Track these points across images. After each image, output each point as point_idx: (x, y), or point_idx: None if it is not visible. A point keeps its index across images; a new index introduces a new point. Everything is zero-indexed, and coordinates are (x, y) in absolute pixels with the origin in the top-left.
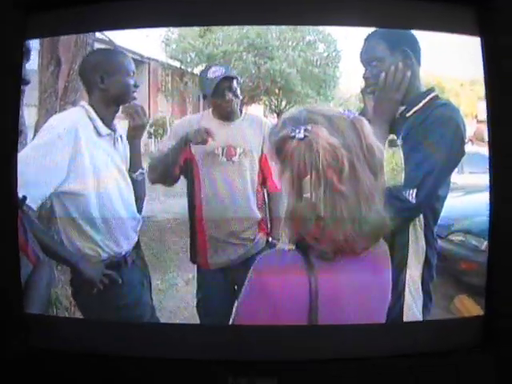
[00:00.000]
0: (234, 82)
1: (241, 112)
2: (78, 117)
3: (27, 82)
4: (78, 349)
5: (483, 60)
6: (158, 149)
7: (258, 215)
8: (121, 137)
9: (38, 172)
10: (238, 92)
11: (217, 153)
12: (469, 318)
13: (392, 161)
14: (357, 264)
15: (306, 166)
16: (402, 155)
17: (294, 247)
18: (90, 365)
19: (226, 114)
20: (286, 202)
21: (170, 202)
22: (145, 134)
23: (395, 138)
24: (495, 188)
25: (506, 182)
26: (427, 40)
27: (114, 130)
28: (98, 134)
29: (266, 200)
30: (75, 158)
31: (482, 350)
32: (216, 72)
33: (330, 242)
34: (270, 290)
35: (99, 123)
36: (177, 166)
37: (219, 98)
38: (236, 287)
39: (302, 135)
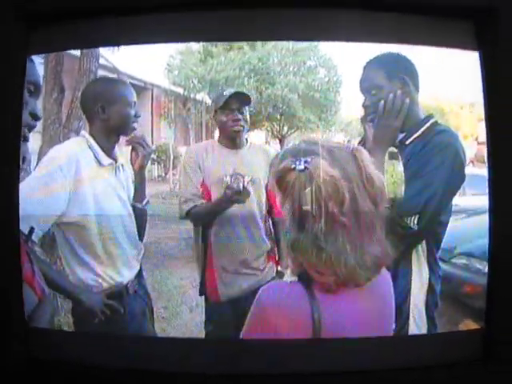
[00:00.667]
0: (245, 103)
1: (246, 141)
2: (79, 147)
3: (38, 118)
4: (79, 361)
5: (481, 73)
6: (193, 193)
7: (268, 244)
8: (122, 166)
9: (38, 204)
10: (248, 117)
11: (225, 180)
12: (469, 331)
13: (393, 174)
14: (360, 295)
15: (306, 197)
16: (402, 169)
17: (296, 279)
18: (90, 377)
19: (232, 139)
20: (286, 234)
21: (172, 228)
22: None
23: (395, 150)
24: (495, 209)
25: (505, 202)
26: (426, 64)
27: (115, 160)
28: (99, 163)
29: (272, 227)
30: (76, 189)
31: (483, 363)
32: (231, 91)
33: (332, 274)
34: (273, 323)
35: (100, 153)
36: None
37: (225, 114)
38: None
39: (302, 167)
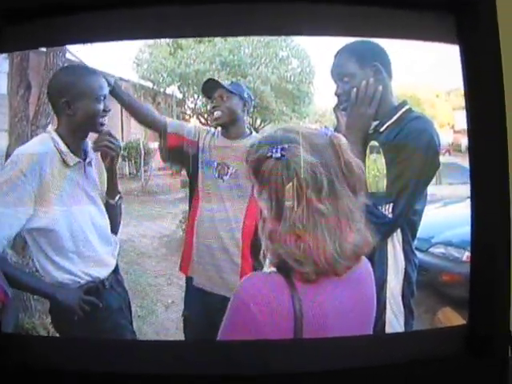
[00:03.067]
0: (215, 89)
1: (250, 131)
2: (43, 147)
3: None
4: (53, 366)
5: (462, 68)
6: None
7: (239, 240)
8: (91, 162)
9: (2, 211)
10: (229, 105)
11: (212, 166)
12: (452, 326)
13: (374, 167)
14: (340, 284)
15: (283, 185)
16: (383, 162)
17: (275, 270)
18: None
19: (223, 128)
20: (264, 222)
21: (145, 225)
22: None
23: (376, 144)
24: (477, 198)
25: (486, 191)
26: (401, 52)
27: (85, 156)
28: (65, 163)
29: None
30: (41, 194)
31: (466, 358)
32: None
33: (312, 263)
34: (253, 314)
35: (66, 152)
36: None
37: (209, 102)
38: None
39: (278, 155)
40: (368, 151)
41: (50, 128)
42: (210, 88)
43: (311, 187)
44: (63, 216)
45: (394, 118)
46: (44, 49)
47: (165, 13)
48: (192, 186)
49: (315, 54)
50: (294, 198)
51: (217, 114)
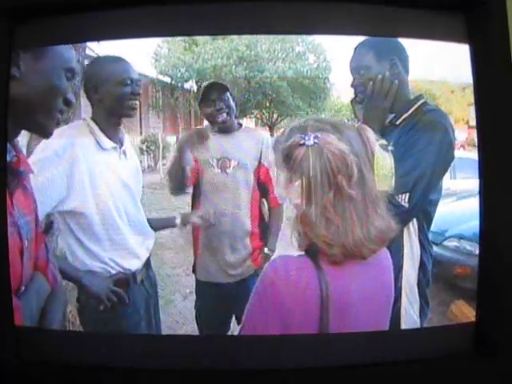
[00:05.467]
0: (224, 91)
1: (240, 125)
2: (78, 132)
3: (71, 104)
4: (71, 361)
5: (472, 67)
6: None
7: (251, 228)
8: (125, 151)
9: (36, 191)
10: (231, 103)
11: (211, 163)
12: (459, 324)
13: (384, 165)
14: (365, 267)
15: (316, 171)
16: (393, 160)
17: (303, 252)
18: (84, 377)
19: (220, 126)
20: (295, 208)
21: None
22: (137, 151)
23: (385, 142)
24: (485, 193)
25: (495, 186)
26: (417, 47)
27: (121, 143)
28: (100, 147)
29: (267, 213)
30: (73, 177)
31: (475, 355)
32: (206, 83)
33: (340, 245)
34: (280, 296)
35: (101, 137)
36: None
37: (207, 106)
38: (232, 301)
39: (311, 142)
40: (378, 149)
41: (85, 115)
42: (214, 91)
43: (342, 173)
44: (95, 200)
45: (410, 110)
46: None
47: (180, 10)
48: (194, 190)
49: (331, 50)
50: (325, 182)
51: (223, 116)
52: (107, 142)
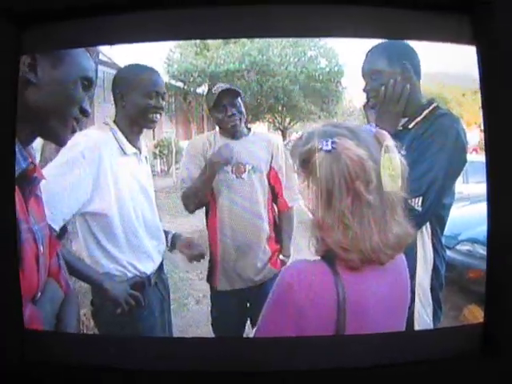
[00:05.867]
0: (236, 96)
1: (249, 130)
2: (102, 135)
3: (88, 113)
4: (82, 363)
5: (479, 68)
6: (183, 178)
7: (269, 232)
8: (146, 158)
9: (60, 192)
10: (242, 108)
11: (226, 170)
12: (469, 325)
13: (389, 167)
14: (382, 273)
15: (333, 177)
16: (398, 161)
17: (320, 258)
18: (92, 379)
19: (231, 132)
20: (312, 213)
21: (178, 221)
22: (150, 155)
23: (390, 144)
24: (492, 195)
25: (502, 189)
26: (429, 51)
27: (140, 150)
28: (123, 152)
29: (277, 218)
30: (98, 178)
31: (482, 356)
32: (219, 88)
33: (358, 251)
34: (296, 300)
35: (124, 141)
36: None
37: (218, 111)
38: (249, 304)
39: (329, 147)
40: (383, 151)
41: (108, 119)
42: (226, 96)
43: (360, 179)
44: (118, 203)
45: (423, 114)
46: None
47: (192, 14)
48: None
49: (343, 53)
50: (343, 188)
51: (234, 122)
52: (129, 148)
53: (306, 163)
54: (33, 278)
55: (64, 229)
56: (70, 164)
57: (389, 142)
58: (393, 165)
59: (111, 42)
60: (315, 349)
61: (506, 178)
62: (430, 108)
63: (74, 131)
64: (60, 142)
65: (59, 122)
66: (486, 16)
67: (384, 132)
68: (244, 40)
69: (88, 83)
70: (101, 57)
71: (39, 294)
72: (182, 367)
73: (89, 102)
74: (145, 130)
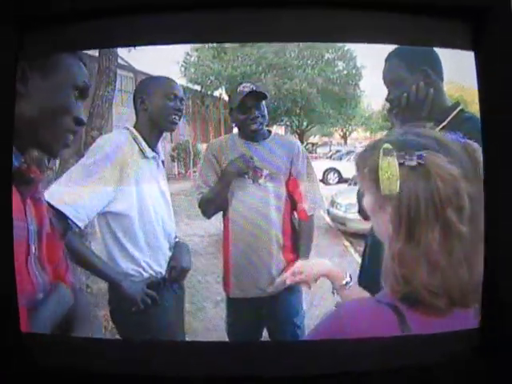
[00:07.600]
0: (262, 99)
1: (269, 132)
2: (124, 138)
3: (82, 123)
4: (84, 367)
5: (477, 74)
6: (203, 181)
7: (283, 241)
8: (163, 162)
9: (86, 191)
10: (266, 112)
11: (244, 175)
12: (466, 329)
13: (388, 170)
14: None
15: (419, 200)
16: (396, 164)
17: (394, 300)
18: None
19: (251, 134)
20: (389, 244)
21: (195, 224)
22: (168, 158)
23: (390, 146)
24: (491, 198)
25: (500, 193)
26: (451, 54)
27: (158, 154)
28: (144, 155)
29: (297, 227)
30: (122, 180)
31: (477, 358)
32: (245, 87)
33: (447, 295)
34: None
35: (144, 145)
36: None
37: (242, 112)
38: (264, 312)
39: (414, 163)
40: (382, 153)
41: (129, 124)
42: (252, 98)
43: (452, 205)
44: (139, 204)
45: (448, 118)
46: (96, 53)
47: (208, 18)
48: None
49: (361, 56)
50: (430, 215)
51: (256, 125)
52: (149, 151)
53: (379, 180)
54: (23, 278)
55: (65, 229)
56: (96, 165)
57: (478, 154)
58: (391, 168)
59: (129, 45)
60: (313, 353)
61: (506, 178)
62: (456, 111)
63: (68, 145)
64: (52, 155)
65: (50, 134)
66: (485, 22)
67: (474, 143)
68: (261, 43)
69: (81, 92)
70: (119, 61)
71: (40, 295)
72: (194, 372)
73: (83, 111)
74: (164, 134)
